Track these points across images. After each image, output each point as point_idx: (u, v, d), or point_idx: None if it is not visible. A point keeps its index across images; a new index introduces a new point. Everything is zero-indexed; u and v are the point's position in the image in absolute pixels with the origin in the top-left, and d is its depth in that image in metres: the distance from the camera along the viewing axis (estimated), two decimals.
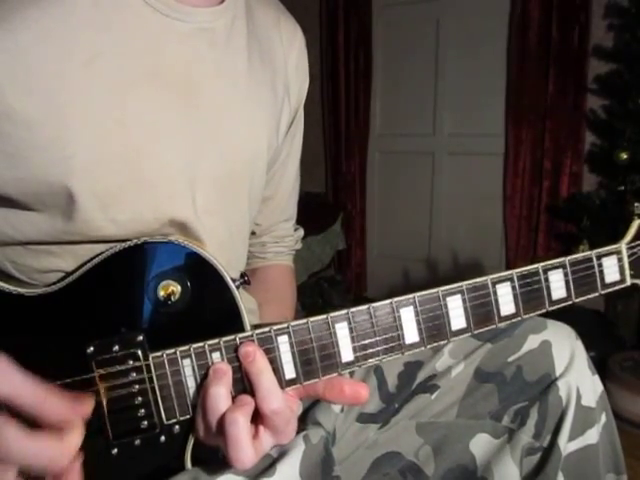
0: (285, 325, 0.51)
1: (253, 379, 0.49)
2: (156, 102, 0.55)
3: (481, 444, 0.63)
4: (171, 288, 0.54)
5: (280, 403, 0.49)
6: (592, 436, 0.61)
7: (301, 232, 0.87)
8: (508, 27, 2.67)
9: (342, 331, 0.52)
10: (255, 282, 0.77)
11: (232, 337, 0.51)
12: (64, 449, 0.42)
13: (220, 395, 0.49)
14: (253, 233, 0.80)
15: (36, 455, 0.41)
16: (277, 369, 0.51)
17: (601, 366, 1.96)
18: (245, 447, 0.47)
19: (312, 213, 2.88)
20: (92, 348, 0.51)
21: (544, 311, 0.56)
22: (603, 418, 0.63)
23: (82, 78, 0.51)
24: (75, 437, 0.43)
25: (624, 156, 2.15)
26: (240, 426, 0.47)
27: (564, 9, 2.44)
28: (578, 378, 0.62)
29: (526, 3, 2.52)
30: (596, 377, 0.64)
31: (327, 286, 2.92)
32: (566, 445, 0.60)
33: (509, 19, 2.65)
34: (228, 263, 0.56)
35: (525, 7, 2.53)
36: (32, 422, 0.42)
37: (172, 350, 0.51)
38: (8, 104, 0.48)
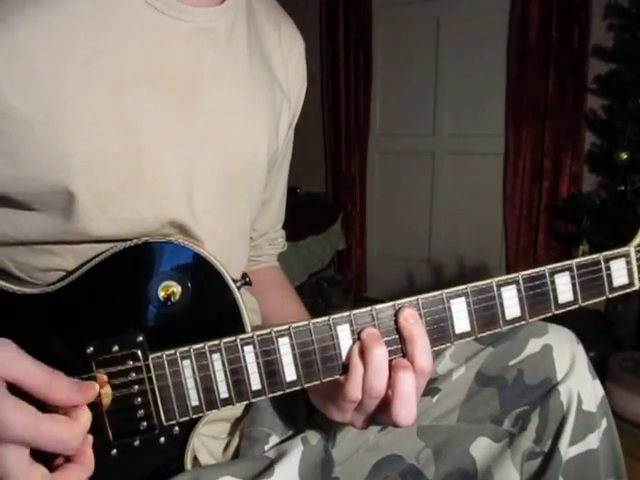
0: (286, 327, 0.51)
1: (415, 339, 0.51)
2: (156, 101, 0.55)
3: (482, 448, 0.63)
4: (171, 289, 0.53)
5: (431, 361, 0.51)
6: (593, 441, 0.61)
7: (284, 233, 0.87)
8: (508, 27, 2.67)
9: (344, 333, 0.51)
10: (263, 283, 0.77)
11: (232, 338, 0.51)
12: (75, 429, 0.44)
13: (385, 355, 0.50)
14: (250, 238, 0.80)
15: (50, 435, 0.43)
16: (277, 371, 0.51)
17: (601, 366, 1.96)
18: (414, 402, 0.49)
19: (312, 213, 2.89)
20: (92, 348, 0.50)
21: (550, 315, 0.55)
22: (604, 423, 0.63)
23: (81, 77, 0.50)
24: (84, 418, 0.45)
25: (624, 156, 2.16)
26: (412, 382, 0.49)
27: (564, 9, 2.44)
28: (579, 383, 0.61)
29: (526, 3, 2.52)
30: (597, 382, 0.63)
31: (327, 286, 2.92)
32: (567, 450, 0.60)
33: (509, 19, 2.65)
34: (228, 264, 0.56)
35: (525, 7, 2.53)
36: (41, 406, 0.43)
37: (172, 351, 0.51)
38: (7, 102, 0.48)
